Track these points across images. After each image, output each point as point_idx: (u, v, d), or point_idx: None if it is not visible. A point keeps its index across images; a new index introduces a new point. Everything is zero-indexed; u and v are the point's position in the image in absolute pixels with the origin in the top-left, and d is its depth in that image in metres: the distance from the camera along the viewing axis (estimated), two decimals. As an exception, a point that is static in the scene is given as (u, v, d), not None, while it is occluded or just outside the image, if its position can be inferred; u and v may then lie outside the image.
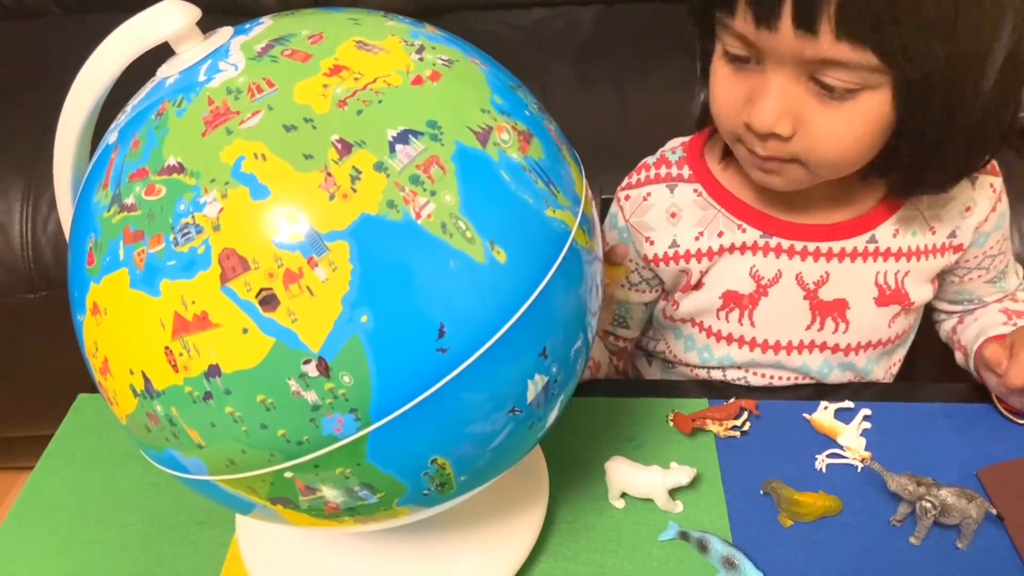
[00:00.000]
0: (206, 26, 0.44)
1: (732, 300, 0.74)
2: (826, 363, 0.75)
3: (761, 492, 0.64)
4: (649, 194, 0.75)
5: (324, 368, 0.38)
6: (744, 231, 0.72)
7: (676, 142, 0.78)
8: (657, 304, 0.80)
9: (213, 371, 0.39)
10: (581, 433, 0.68)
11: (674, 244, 0.74)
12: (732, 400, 0.69)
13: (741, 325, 0.74)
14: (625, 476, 0.62)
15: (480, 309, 0.40)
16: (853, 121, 0.59)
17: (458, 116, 0.42)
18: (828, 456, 0.66)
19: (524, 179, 0.42)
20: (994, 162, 0.72)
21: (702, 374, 0.79)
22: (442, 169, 0.40)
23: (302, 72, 0.41)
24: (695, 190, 0.73)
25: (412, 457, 0.42)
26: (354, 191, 0.38)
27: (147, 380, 0.40)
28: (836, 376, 0.76)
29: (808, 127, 0.60)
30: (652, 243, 0.75)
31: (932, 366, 1.21)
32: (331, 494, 0.43)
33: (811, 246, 0.71)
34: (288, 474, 0.41)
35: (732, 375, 0.78)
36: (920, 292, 0.74)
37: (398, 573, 0.58)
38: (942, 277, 0.77)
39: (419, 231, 0.39)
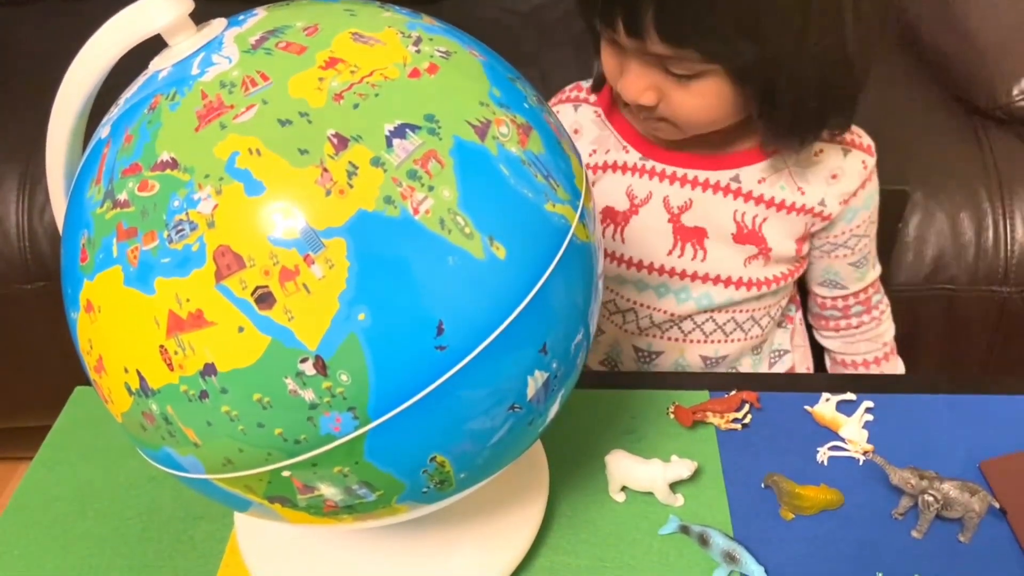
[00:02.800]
0: (202, 13, 0.44)
1: (608, 216, 0.83)
2: (684, 288, 0.83)
3: (762, 485, 0.63)
4: (557, 112, 0.84)
5: (321, 366, 0.38)
6: (627, 152, 0.82)
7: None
8: None
9: (209, 370, 0.38)
10: (581, 426, 0.68)
11: None
12: (733, 392, 0.69)
13: (614, 240, 0.83)
14: (625, 469, 0.62)
15: (479, 305, 0.40)
16: (704, 95, 0.70)
17: (456, 109, 0.41)
18: (830, 449, 0.66)
19: (523, 173, 0.42)
20: (871, 143, 0.81)
21: None
22: (440, 164, 0.39)
23: (297, 65, 0.40)
24: (596, 112, 0.84)
25: (411, 455, 0.41)
26: (351, 187, 0.38)
27: (142, 379, 0.40)
28: (690, 307, 0.83)
29: (668, 99, 0.71)
30: None
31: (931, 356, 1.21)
32: (329, 492, 0.42)
33: (680, 172, 0.80)
34: (286, 473, 0.41)
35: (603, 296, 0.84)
36: (780, 244, 0.81)
37: (398, 567, 0.58)
38: (811, 249, 0.84)
39: (417, 227, 0.38)
